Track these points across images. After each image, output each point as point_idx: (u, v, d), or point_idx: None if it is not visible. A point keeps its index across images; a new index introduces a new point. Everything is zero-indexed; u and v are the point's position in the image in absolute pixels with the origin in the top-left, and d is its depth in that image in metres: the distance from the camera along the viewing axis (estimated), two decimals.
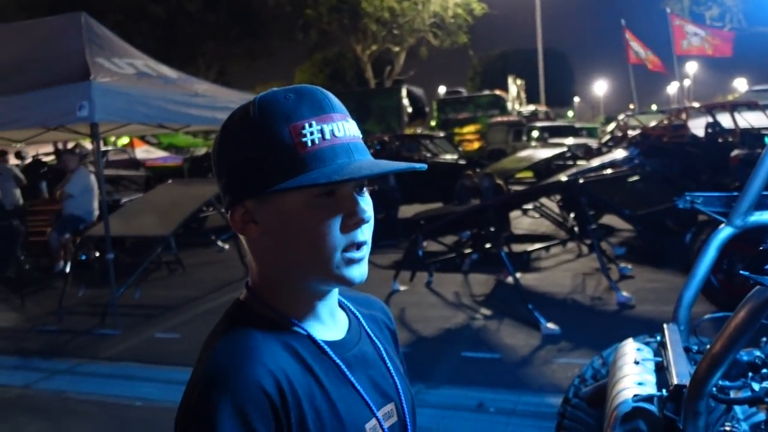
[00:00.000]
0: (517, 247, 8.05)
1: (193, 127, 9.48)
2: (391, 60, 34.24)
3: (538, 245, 8.15)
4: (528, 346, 4.95)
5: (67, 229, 8.33)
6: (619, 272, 6.78)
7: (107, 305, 6.29)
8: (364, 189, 0.89)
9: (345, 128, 0.87)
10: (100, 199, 7.30)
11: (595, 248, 6.32)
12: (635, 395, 1.52)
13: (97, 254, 8.10)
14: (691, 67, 48.38)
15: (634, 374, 1.65)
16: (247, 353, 0.83)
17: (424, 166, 0.89)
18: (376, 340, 1.00)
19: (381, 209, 9.26)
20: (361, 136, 0.91)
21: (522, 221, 10.56)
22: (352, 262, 0.88)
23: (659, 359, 1.77)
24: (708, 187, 7.80)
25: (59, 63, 6.52)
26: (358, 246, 0.88)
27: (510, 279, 6.22)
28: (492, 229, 6.75)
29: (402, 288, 6.76)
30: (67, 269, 7.46)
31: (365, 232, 0.88)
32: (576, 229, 8.02)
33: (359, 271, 0.89)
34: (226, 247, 9.86)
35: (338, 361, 0.90)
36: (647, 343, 1.96)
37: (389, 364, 0.99)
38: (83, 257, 8.24)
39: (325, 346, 0.90)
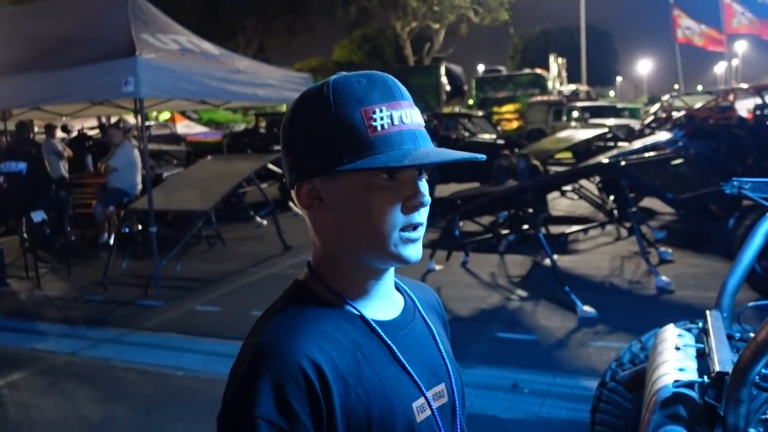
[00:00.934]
0: (555, 229, 7.99)
1: (234, 103, 9.59)
2: (431, 37, 33.92)
3: (576, 227, 8.07)
4: (564, 328, 4.94)
5: (111, 202, 8.54)
6: (658, 256, 6.68)
7: (150, 277, 6.46)
8: (423, 174, 0.93)
9: (411, 115, 0.91)
10: (143, 173, 7.47)
11: (635, 231, 6.24)
12: (676, 381, 1.51)
13: (140, 227, 8.30)
14: (740, 47, 46.85)
15: (675, 360, 1.64)
16: (295, 332, 0.87)
17: (484, 156, 0.92)
18: (430, 323, 1.04)
19: (429, 186, 9.23)
20: (424, 123, 0.95)
21: (560, 203, 10.46)
22: (408, 241, 0.91)
23: (701, 346, 1.76)
24: (755, 171, 7.60)
25: (105, 39, 6.63)
26: (415, 227, 0.91)
27: (547, 261, 6.19)
28: (530, 210, 6.71)
29: (438, 267, 6.78)
30: (112, 241, 7.67)
31: (422, 214, 0.92)
32: (615, 211, 7.91)
33: (415, 251, 0.92)
34: (265, 222, 10.00)
35: (388, 340, 0.93)
36: (689, 330, 1.95)
37: (441, 346, 1.02)
38: (127, 230, 8.46)
39: (376, 326, 0.93)
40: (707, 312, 1.88)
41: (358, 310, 0.93)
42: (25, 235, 7.72)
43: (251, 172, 8.35)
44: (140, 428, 3.69)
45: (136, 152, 8.39)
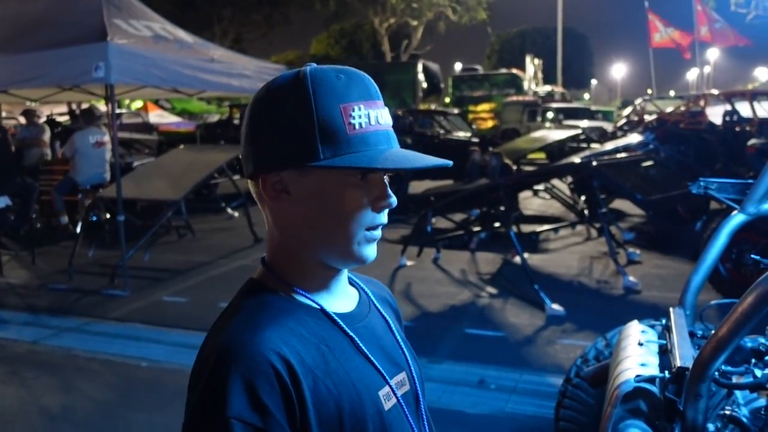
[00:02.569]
0: (526, 228, 8.04)
1: (207, 93, 9.49)
2: (409, 34, 33.92)
3: (547, 226, 8.13)
4: (532, 325, 4.97)
5: (62, 189, 8.43)
6: (627, 257, 6.77)
7: (116, 266, 6.36)
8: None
9: (384, 116, 0.91)
10: (112, 161, 7.33)
11: (604, 232, 6.30)
12: (638, 375, 1.52)
13: (108, 216, 8.16)
14: (712, 54, 47.63)
15: (638, 355, 1.65)
16: (259, 328, 0.85)
17: (450, 162, 0.92)
18: (384, 314, 1.04)
19: (391, 184, 9.23)
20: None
21: (532, 202, 10.54)
22: (370, 241, 0.92)
23: (663, 342, 1.78)
24: (723, 176, 7.72)
25: (77, 22, 6.49)
26: (377, 227, 0.92)
27: (517, 259, 6.22)
28: (502, 209, 6.74)
29: (409, 263, 6.78)
30: (78, 229, 7.52)
31: (386, 215, 0.93)
32: (586, 212, 8.00)
33: (373, 251, 0.94)
34: (236, 214, 9.90)
35: (350, 332, 0.92)
36: (652, 326, 1.97)
37: (398, 336, 1.02)
38: (94, 218, 8.30)
39: (337, 318, 0.92)
40: (671, 309, 1.90)
41: (318, 304, 0.92)
42: None
43: (223, 163, 8.25)
44: (100, 418, 3.62)
45: (87, 140, 8.17)
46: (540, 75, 32.62)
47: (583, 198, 8.22)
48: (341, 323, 0.92)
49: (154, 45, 6.75)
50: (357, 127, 0.86)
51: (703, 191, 2.10)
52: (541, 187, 8.92)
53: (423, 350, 4.42)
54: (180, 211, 8.22)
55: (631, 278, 5.88)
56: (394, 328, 1.03)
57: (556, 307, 5.16)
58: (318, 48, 46.00)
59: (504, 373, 4.08)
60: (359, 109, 0.87)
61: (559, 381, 3.88)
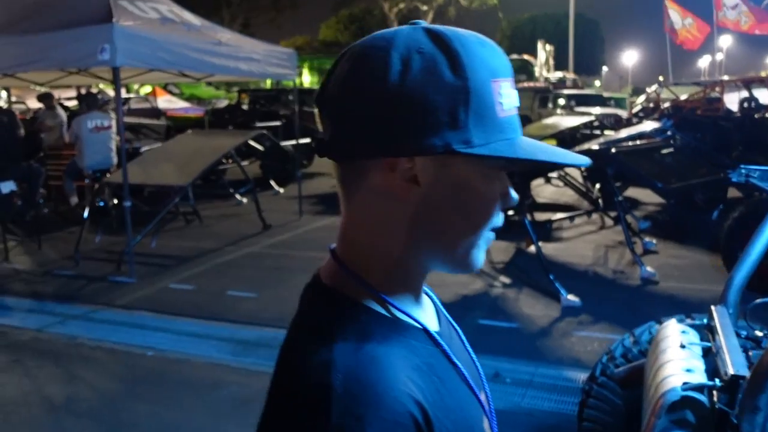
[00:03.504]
0: (540, 216, 7.89)
1: (215, 77, 9.34)
2: (419, 19, 33.57)
3: (561, 215, 7.98)
4: (547, 317, 4.84)
5: (69, 174, 8.34)
6: (643, 247, 6.61)
7: (123, 253, 6.26)
8: None
9: (517, 96, 0.76)
10: (118, 146, 7.22)
11: (620, 221, 6.15)
12: (684, 383, 1.39)
13: (115, 201, 8.07)
14: (725, 41, 46.99)
15: (681, 359, 1.52)
16: (380, 363, 0.66)
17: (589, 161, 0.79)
18: (453, 322, 0.88)
19: None
20: None
21: (544, 189, 10.37)
22: (485, 245, 0.77)
23: (707, 344, 1.64)
24: (740, 163, 7.54)
25: (81, 4, 6.36)
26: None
27: (531, 248, 6.08)
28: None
29: None
30: (86, 214, 7.43)
31: None
32: (600, 200, 7.83)
33: (483, 257, 0.78)
34: (244, 200, 9.79)
35: (454, 358, 0.76)
36: (692, 326, 1.82)
37: (469, 349, 0.87)
38: (101, 204, 8.21)
39: (441, 341, 0.76)
40: (712, 308, 1.75)
41: (420, 323, 0.75)
42: None
43: (231, 148, 8.14)
44: (104, 410, 3.52)
45: (86, 125, 8.05)
46: (551, 61, 32.26)
47: (597, 186, 8.05)
48: (445, 347, 0.75)
49: (161, 27, 6.61)
50: (506, 107, 0.72)
51: (744, 179, 1.95)
52: (554, 174, 8.74)
53: None
54: (187, 197, 8.11)
55: (648, 268, 5.73)
56: (465, 340, 0.87)
57: (571, 297, 5.03)
58: (327, 33, 45.72)
59: (519, 366, 3.95)
60: (506, 87, 0.72)
61: (577, 375, 3.79)
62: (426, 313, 0.80)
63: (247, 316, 4.88)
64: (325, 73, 0.77)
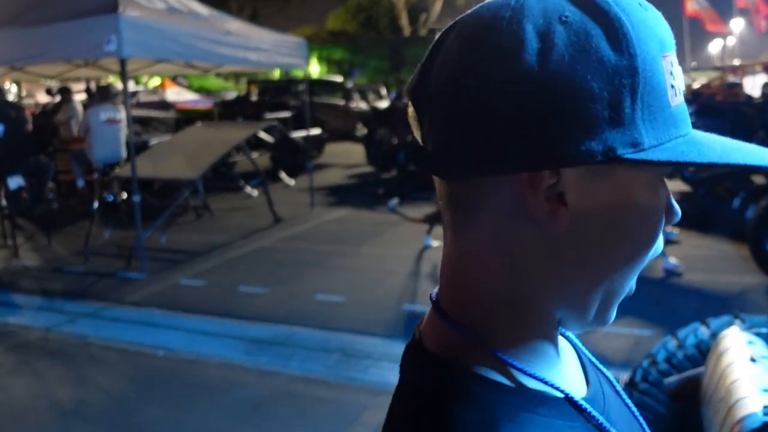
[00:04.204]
0: None
1: (224, 68, 9.21)
2: (427, 8, 33.30)
3: None
4: None
5: (79, 159, 8.32)
6: (665, 237, 6.41)
7: (133, 248, 6.15)
8: None
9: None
10: (127, 139, 7.11)
11: None
12: (765, 407, 1.24)
13: (125, 195, 7.96)
14: (737, 25, 46.27)
15: (755, 376, 1.36)
16: None
17: None
18: (606, 372, 0.67)
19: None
20: None
21: None
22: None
23: None
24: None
25: None
26: None
27: None
28: None
29: (435, 244, 6.50)
30: (95, 205, 7.33)
31: None
32: None
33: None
34: (255, 193, 9.67)
35: (609, 427, 0.57)
36: (757, 334, 1.66)
37: (628, 402, 0.66)
38: (111, 198, 8.11)
39: (595, 412, 0.56)
40: None
41: (562, 390, 0.55)
42: (2, 202, 7.37)
43: (242, 140, 8.01)
44: (114, 414, 3.41)
45: (99, 117, 7.93)
46: None
47: None
48: (601, 420, 0.55)
49: (168, 17, 6.47)
50: (678, 93, 0.52)
51: None
52: None
53: None
54: (197, 190, 7.98)
55: (672, 259, 5.55)
56: (622, 393, 0.67)
57: None
58: (335, 23, 45.45)
59: None
60: (675, 63, 0.53)
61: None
62: (568, 372, 0.60)
63: (259, 312, 4.75)
64: (423, 58, 0.58)
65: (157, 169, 7.29)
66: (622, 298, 0.57)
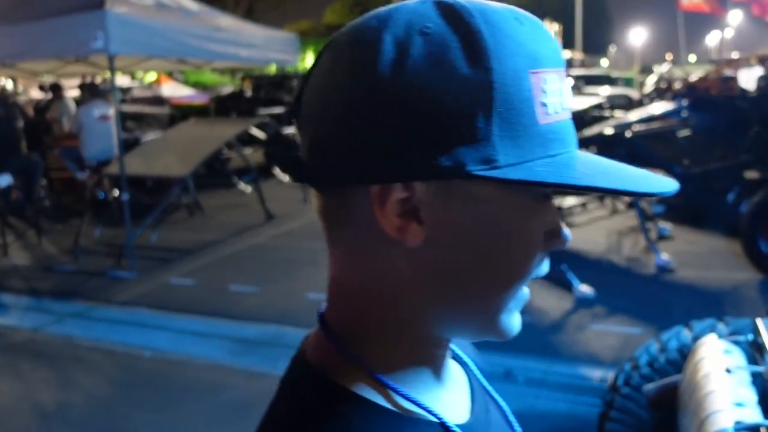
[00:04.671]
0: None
1: (216, 64, 9.14)
2: None
3: (573, 200, 7.76)
4: (560, 309, 4.65)
5: (68, 154, 8.28)
6: (657, 233, 6.40)
7: (122, 247, 6.11)
8: None
9: (569, 95, 0.55)
10: (119, 135, 7.06)
11: (635, 206, 5.93)
12: (737, 422, 1.20)
13: (117, 193, 7.91)
14: (735, 17, 46.15)
15: (729, 389, 1.32)
16: None
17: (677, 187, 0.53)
18: (500, 400, 0.67)
19: None
20: None
21: None
22: (520, 303, 0.56)
23: (757, 368, 1.44)
24: (757, 144, 7.30)
25: None
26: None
27: None
28: None
29: None
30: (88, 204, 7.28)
31: None
32: None
33: (519, 319, 0.57)
34: (249, 190, 9.62)
35: None
36: (736, 342, 1.62)
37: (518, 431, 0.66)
38: (102, 196, 8.05)
39: None
40: (758, 321, 1.55)
41: (436, 416, 0.54)
42: None
43: (233, 137, 7.95)
44: (98, 417, 3.37)
45: (92, 114, 7.87)
46: (558, 41, 31.79)
47: None
48: None
49: (156, 13, 6.40)
50: (551, 111, 0.50)
51: None
52: None
53: None
54: (187, 188, 7.93)
55: (664, 256, 5.52)
56: (514, 423, 0.66)
57: (584, 288, 4.83)
58: (332, 18, 45.34)
59: (532, 363, 3.77)
60: (552, 81, 0.51)
61: (593, 373, 3.61)
62: (450, 395, 0.58)
63: (249, 312, 4.71)
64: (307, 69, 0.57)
65: (148, 167, 7.24)
66: (512, 312, 0.55)
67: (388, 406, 0.52)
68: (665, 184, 0.51)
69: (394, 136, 0.48)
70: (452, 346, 0.64)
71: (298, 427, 0.51)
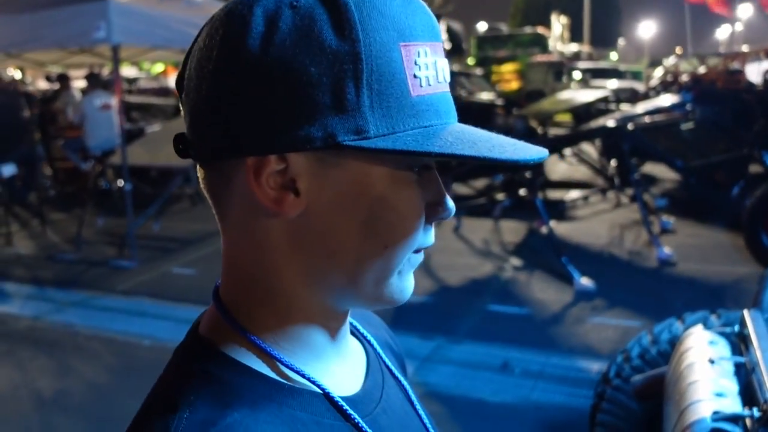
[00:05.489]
0: (552, 194, 7.66)
1: None
2: None
3: (576, 193, 7.74)
4: (559, 302, 4.64)
5: (71, 146, 8.29)
6: (660, 226, 6.37)
7: (125, 237, 6.13)
8: None
9: (447, 69, 0.56)
10: (122, 126, 7.07)
11: (638, 199, 5.90)
12: (715, 412, 1.19)
13: (121, 183, 7.93)
14: (745, 11, 45.71)
15: (710, 379, 1.32)
16: None
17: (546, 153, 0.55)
18: (402, 378, 0.68)
19: None
20: None
21: (557, 167, 10.11)
22: (411, 269, 0.58)
23: (740, 359, 1.44)
24: (763, 137, 7.25)
25: None
26: (421, 249, 0.57)
27: (543, 228, 5.87)
28: (527, 174, 6.37)
29: None
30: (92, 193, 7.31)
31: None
32: (616, 177, 7.58)
33: (412, 283, 0.58)
34: None
35: (367, 429, 0.56)
36: (722, 333, 1.61)
37: (421, 413, 0.66)
38: (106, 186, 8.08)
39: (351, 411, 0.55)
40: (745, 312, 1.54)
41: (319, 386, 0.55)
42: None
43: None
44: (95, 405, 3.39)
45: (93, 104, 7.87)
46: (566, 34, 31.62)
47: (613, 162, 7.80)
48: (357, 419, 0.55)
49: (160, 4, 6.40)
50: (424, 83, 0.51)
51: None
52: (568, 151, 8.49)
53: (441, 329, 4.13)
54: (188, 178, 7.94)
55: (666, 249, 5.50)
56: (415, 400, 0.67)
57: (585, 281, 4.82)
58: None
59: (529, 355, 3.77)
60: (425, 54, 0.52)
61: (590, 366, 3.60)
62: (341, 368, 0.59)
63: None
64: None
65: (151, 157, 7.24)
66: (403, 278, 0.57)
67: (271, 374, 0.54)
68: (532, 152, 0.52)
69: (264, 109, 0.49)
70: (354, 322, 0.66)
71: (177, 393, 0.51)
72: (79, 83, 13.00)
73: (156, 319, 4.53)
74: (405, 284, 0.57)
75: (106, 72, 11.49)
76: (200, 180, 0.57)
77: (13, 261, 6.16)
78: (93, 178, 7.74)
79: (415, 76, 0.50)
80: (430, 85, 0.52)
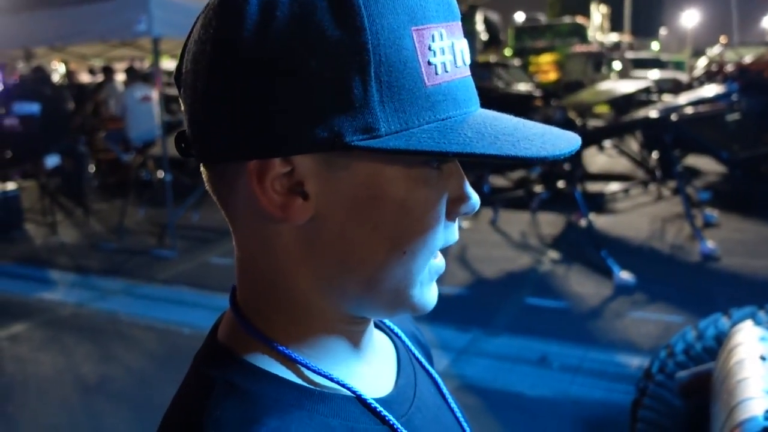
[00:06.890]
0: (592, 187, 7.54)
1: None
2: None
3: (616, 186, 7.61)
4: (598, 295, 4.57)
5: (112, 137, 8.44)
6: (703, 219, 6.22)
7: (165, 227, 6.24)
8: None
9: (467, 52, 0.51)
10: (163, 119, 7.18)
11: (681, 192, 5.77)
12: (767, 410, 1.16)
13: (161, 174, 8.06)
14: None
15: (762, 377, 1.28)
16: None
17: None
18: (432, 371, 0.64)
19: None
20: None
21: (597, 159, 9.95)
22: (436, 274, 0.53)
23: None
24: None
25: None
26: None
27: (582, 221, 5.79)
28: (565, 166, 6.28)
29: (464, 224, 6.43)
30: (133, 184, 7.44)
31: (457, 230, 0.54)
32: (658, 169, 7.42)
33: (436, 290, 0.55)
34: None
35: (403, 431, 0.53)
36: None
37: (453, 406, 0.63)
38: (147, 176, 8.23)
39: (386, 413, 0.52)
40: None
41: (353, 390, 0.52)
42: (42, 180, 7.54)
43: None
44: (136, 391, 3.46)
45: (134, 96, 7.98)
46: (606, 24, 31.05)
47: (654, 154, 7.64)
48: (393, 421, 0.52)
49: None
50: (440, 70, 0.46)
51: None
52: (608, 143, 8.34)
53: (478, 321, 4.11)
54: None
55: (709, 243, 5.37)
56: (447, 395, 0.64)
57: (625, 275, 4.74)
58: None
59: (567, 349, 3.72)
60: (441, 36, 0.47)
61: (629, 360, 3.55)
62: (371, 369, 0.56)
63: None
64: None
65: None
66: (425, 286, 0.52)
67: (297, 380, 0.50)
68: (561, 145, 0.48)
69: (262, 108, 0.45)
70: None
71: (200, 409, 0.48)
72: (120, 76, 13.25)
73: (195, 308, 4.61)
74: (430, 294, 0.53)
75: (146, 65, 11.67)
76: (204, 181, 0.53)
77: (58, 249, 6.32)
78: (134, 169, 7.88)
79: (429, 63, 0.46)
80: (447, 71, 0.47)
